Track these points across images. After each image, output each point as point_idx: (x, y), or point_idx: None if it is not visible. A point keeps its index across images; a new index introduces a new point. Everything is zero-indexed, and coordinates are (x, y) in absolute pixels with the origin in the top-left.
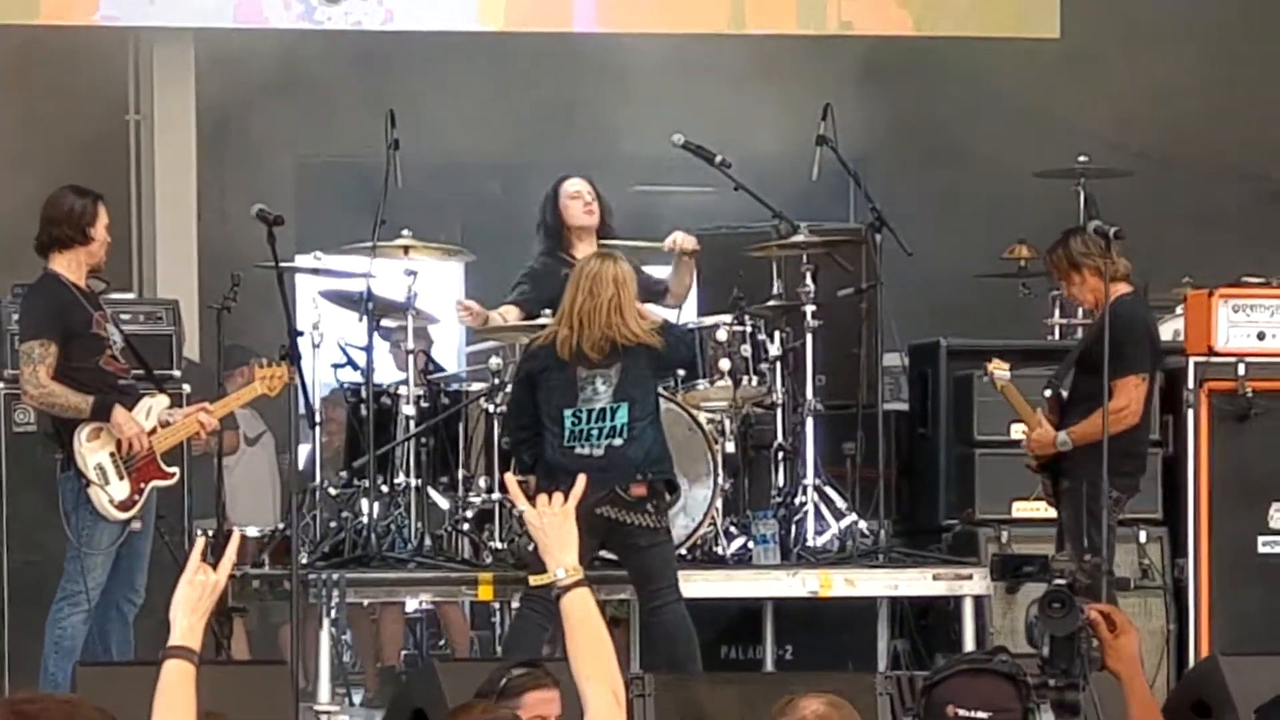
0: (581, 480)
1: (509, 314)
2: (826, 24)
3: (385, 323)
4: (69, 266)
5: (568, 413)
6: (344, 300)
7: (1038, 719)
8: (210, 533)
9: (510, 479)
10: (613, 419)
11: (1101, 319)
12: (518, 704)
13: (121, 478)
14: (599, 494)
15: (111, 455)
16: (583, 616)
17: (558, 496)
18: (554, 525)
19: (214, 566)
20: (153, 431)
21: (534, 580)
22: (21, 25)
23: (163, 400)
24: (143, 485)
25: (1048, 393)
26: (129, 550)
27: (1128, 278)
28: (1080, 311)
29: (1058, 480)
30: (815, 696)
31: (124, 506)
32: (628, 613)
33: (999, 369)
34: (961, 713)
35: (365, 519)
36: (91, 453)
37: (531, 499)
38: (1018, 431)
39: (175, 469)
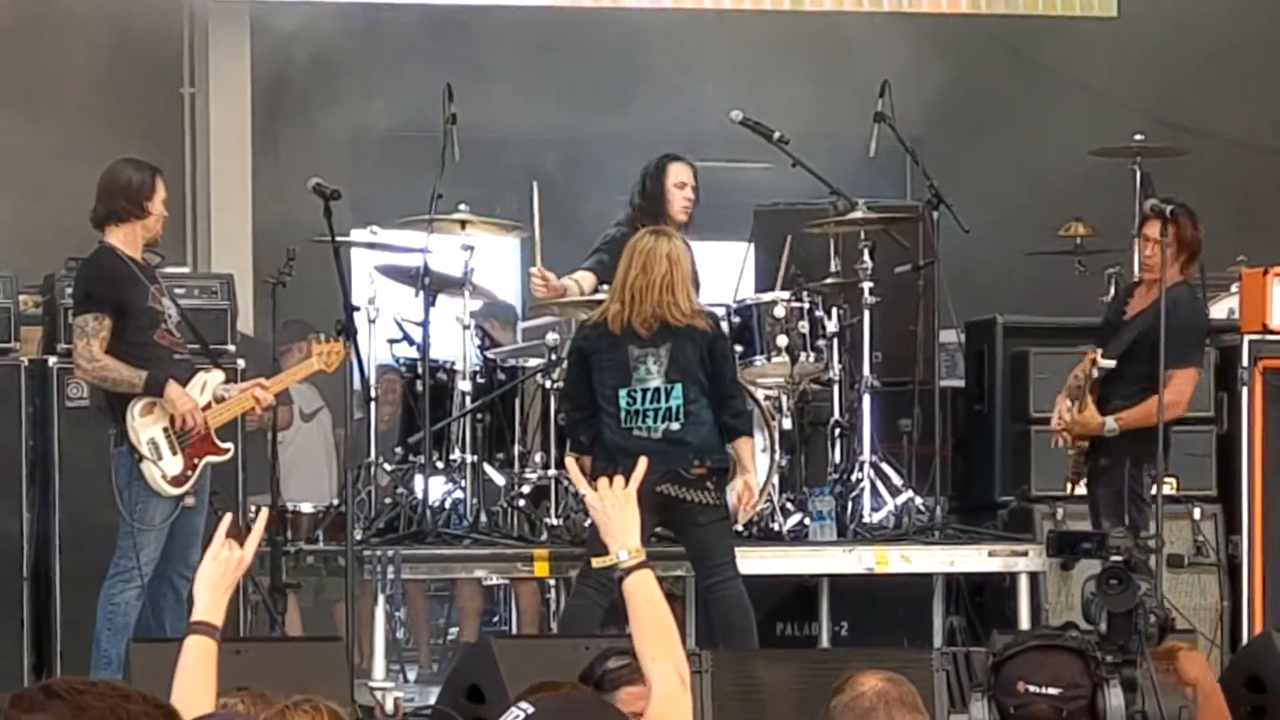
0: (643, 463)
1: (584, 281)
2: (887, 0)
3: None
4: (125, 240)
5: (623, 393)
6: (400, 275)
7: (1106, 694)
8: (264, 508)
9: (570, 461)
10: (668, 400)
11: (1158, 303)
12: (614, 697)
13: (175, 453)
14: (659, 473)
15: (165, 430)
16: (647, 598)
17: (619, 479)
18: (616, 508)
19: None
20: (207, 406)
21: (596, 563)
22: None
23: (218, 375)
24: (196, 460)
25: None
26: (182, 526)
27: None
28: (1114, 288)
29: (1095, 458)
30: (874, 674)
31: (177, 482)
32: (684, 589)
33: (1104, 361)
34: (1032, 688)
35: (421, 495)
36: (144, 428)
37: (589, 479)
38: None
39: (229, 445)
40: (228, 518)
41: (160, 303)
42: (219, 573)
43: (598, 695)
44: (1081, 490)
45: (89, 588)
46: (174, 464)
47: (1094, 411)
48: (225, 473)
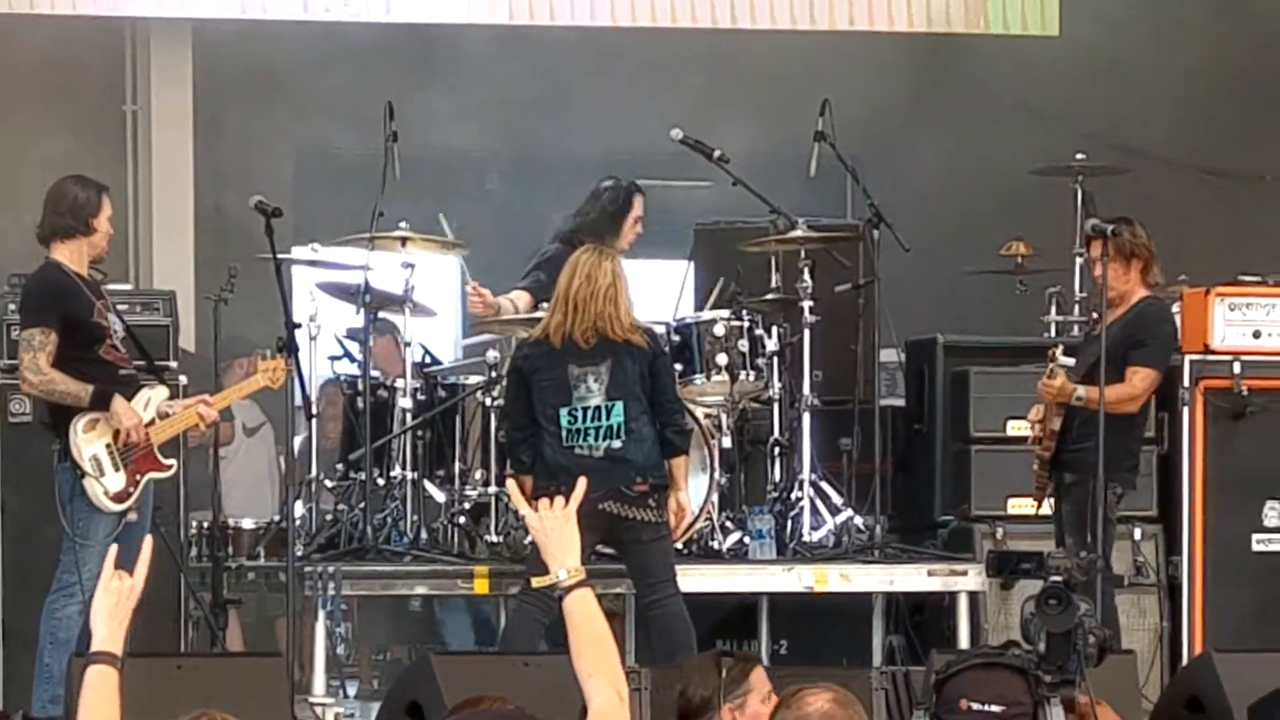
0: (583, 483)
1: (519, 300)
2: (827, 19)
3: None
4: (71, 256)
5: (564, 411)
6: (342, 292)
7: (1048, 713)
8: (205, 524)
9: (511, 482)
10: (609, 418)
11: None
12: (747, 686)
13: (117, 469)
14: (600, 491)
15: (108, 446)
16: (586, 617)
17: (559, 500)
18: (555, 528)
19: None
20: (151, 423)
21: (536, 582)
22: (15, 14)
23: (162, 391)
24: (139, 476)
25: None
26: (125, 542)
27: (1153, 288)
28: (1076, 309)
29: (1059, 474)
30: (823, 691)
31: (119, 498)
32: (623, 606)
33: (1063, 359)
34: (975, 706)
35: (361, 511)
36: (87, 444)
37: (530, 498)
38: (1014, 428)
39: (172, 461)
40: (113, 549)
41: (106, 318)
42: (112, 603)
43: (520, 709)
44: (1046, 510)
45: (31, 602)
46: (116, 480)
47: (1065, 379)
48: (167, 488)
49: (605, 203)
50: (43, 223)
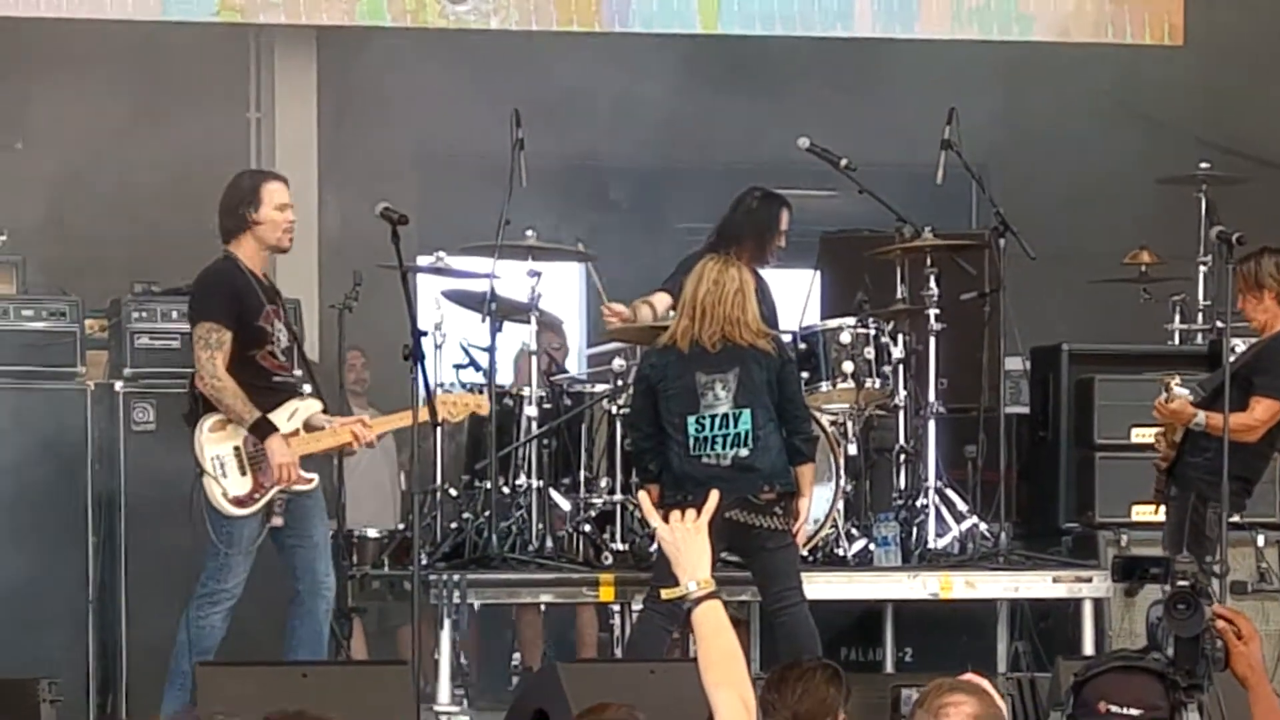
0: (715, 496)
1: (659, 302)
2: (951, 28)
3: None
4: (247, 253)
5: (691, 419)
6: (467, 300)
7: (1185, 717)
8: (330, 534)
9: (643, 494)
10: (736, 425)
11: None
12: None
13: (244, 474)
14: (728, 500)
15: (236, 449)
16: (715, 628)
17: (690, 512)
18: (686, 539)
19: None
20: (294, 433)
21: (666, 594)
22: (145, 21)
23: (313, 404)
24: (266, 485)
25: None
26: (297, 540)
27: None
28: (1200, 317)
29: (1169, 486)
30: (965, 700)
31: (240, 502)
32: (748, 614)
33: (1178, 385)
34: (1114, 709)
35: (486, 520)
36: (211, 444)
37: (657, 507)
38: (1138, 435)
39: (313, 476)
40: None
41: (271, 324)
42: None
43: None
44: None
45: (156, 610)
46: (240, 484)
47: (1185, 403)
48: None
49: (758, 215)
50: (219, 220)
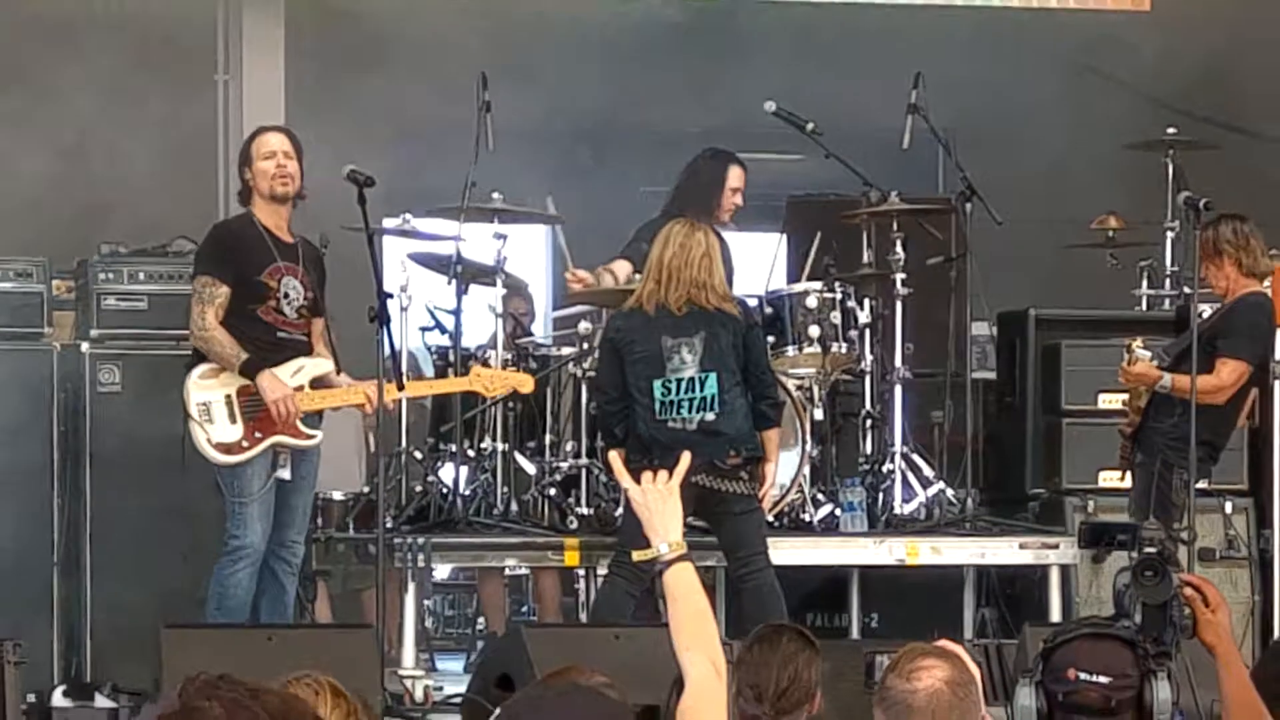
0: (687, 457)
1: (619, 269)
2: None
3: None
4: (263, 210)
5: (657, 383)
6: (433, 263)
7: (1154, 685)
8: None
9: (613, 455)
10: (702, 389)
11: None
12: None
13: (234, 421)
14: (695, 464)
15: (228, 397)
16: (686, 590)
17: (662, 473)
18: (658, 501)
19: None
20: (299, 389)
21: (637, 555)
22: None
23: (323, 363)
24: (260, 435)
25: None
26: (278, 503)
27: (1264, 278)
28: (1167, 283)
29: (1135, 452)
30: (937, 665)
31: (227, 449)
32: (714, 579)
33: (1140, 348)
34: (1083, 676)
35: (451, 484)
36: (199, 389)
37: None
38: (1105, 401)
39: (316, 432)
40: None
41: (279, 280)
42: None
43: (608, 682)
44: (1129, 482)
45: (121, 572)
46: (229, 431)
47: (1149, 365)
48: None
49: (702, 173)
50: None
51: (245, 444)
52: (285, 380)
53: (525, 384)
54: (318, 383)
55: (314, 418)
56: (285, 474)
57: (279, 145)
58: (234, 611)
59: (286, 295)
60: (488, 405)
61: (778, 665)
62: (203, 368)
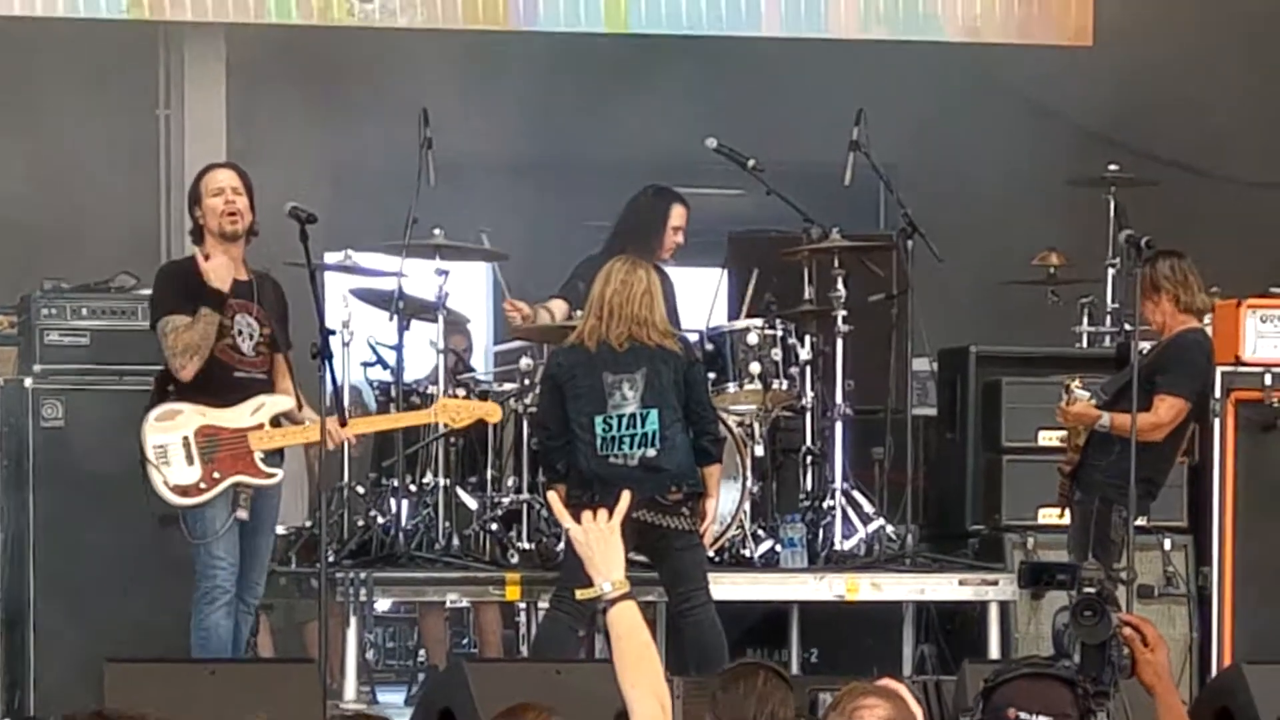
0: (626, 496)
1: (556, 308)
2: (861, 29)
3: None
4: (214, 246)
5: (598, 419)
6: (375, 299)
7: None
8: None
9: (552, 495)
10: (643, 425)
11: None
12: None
13: (190, 463)
14: (636, 500)
15: (185, 439)
16: (630, 628)
17: (602, 512)
18: (600, 541)
19: None
20: (258, 427)
21: (580, 594)
22: (56, 18)
23: (282, 400)
24: (218, 475)
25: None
26: (243, 547)
27: (1202, 315)
28: (1108, 319)
29: (1073, 490)
30: (878, 705)
31: (184, 491)
32: (655, 615)
33: (1078, 387)
34: (1023, 715)
35: (394, 518)
36: (155, 432)
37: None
38: (1045, 438)
39: (275, 471)
40: None
41: (233, 318)
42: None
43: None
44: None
45: (64, 609)
46: (186, 473)
47: (1087, 405)
48: None
49: (643, 211)
50: None
51: (203, 485)
52: (245, 418)
53: (493, 413)
54: (279, 420)
55: (275, 456)
56: (244, 514)
57: (227, 181)
58: (217, 654)
59: (241, 332)
60: (431, 440)
61: (755, 703)
62: (159, 409)
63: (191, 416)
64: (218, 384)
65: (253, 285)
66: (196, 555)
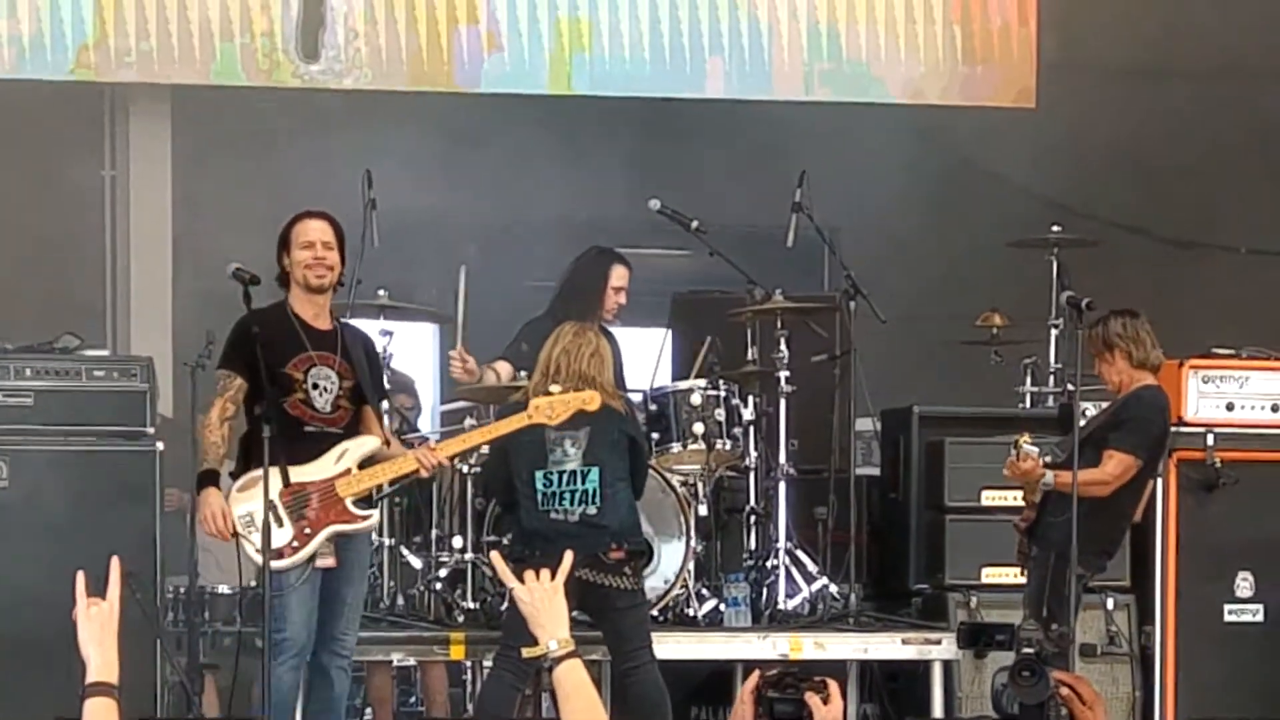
0: (569, 557)
1: (501, 370)
2: (803, 90)
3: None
4: (297, 296)
5: (539, 474)
6: None
7: None
8: (181, 589)
9: (496, 556)
10: (584, 483)
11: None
12: None
13: (280, 524)
14: (577, 558)
15: (271, 503)
16: (576, 686)
17: (544, 572)
18: (544, 600)
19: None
20: (345, 473)
21: (527, 653)
22: (2, 79)
23: (367, 441)
24: (309, 531)
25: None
26: (326, 594)
27: (1156, 371)
28: (1051, 380)
29: (1029, 545)
30: None
31: (279, 554)
32: (599, 674)
33: (1029, 443)
34: None
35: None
36: (239, 501)
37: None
38: (988, 498)
39: (370, 513)
40: (80, 575)
41: (305, 371)
42: (98, 628)
43: None
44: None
45: (9, 664)
46: (277, 536)
47: (1036, 462)
48: (144, 551)
49: (585, 271)
50: None
51: (296, 544)
52: (329, 468)
53: (591, 401)
54: (367, 462)
55: (366, 499)
56: (329, 561)
57: (318, 236)
58: (278, 707)
59: (316, 386)
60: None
61: None
62: (241, 480)
63: (274, 479)
64: (289, 437)
65: (336, 336)
66: (270, 607)
